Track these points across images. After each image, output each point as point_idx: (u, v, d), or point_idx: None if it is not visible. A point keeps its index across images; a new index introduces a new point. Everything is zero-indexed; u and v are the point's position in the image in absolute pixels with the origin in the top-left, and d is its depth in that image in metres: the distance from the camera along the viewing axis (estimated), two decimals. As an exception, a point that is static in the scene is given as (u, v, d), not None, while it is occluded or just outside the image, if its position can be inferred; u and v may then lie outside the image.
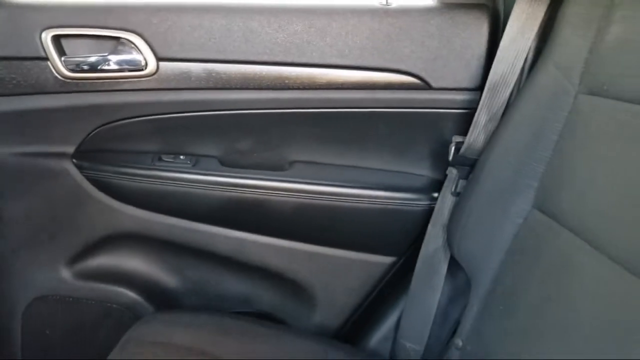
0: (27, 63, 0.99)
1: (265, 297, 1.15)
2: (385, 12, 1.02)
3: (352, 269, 1.11)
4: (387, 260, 1.11)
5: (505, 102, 0.98)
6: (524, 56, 0.97)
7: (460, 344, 0.94)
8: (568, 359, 0.67)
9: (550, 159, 0.84)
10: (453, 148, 1.02)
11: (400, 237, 1.09)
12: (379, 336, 1.14)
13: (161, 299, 1.13)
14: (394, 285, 1.12)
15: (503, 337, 0.83)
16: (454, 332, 0.97)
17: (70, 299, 1.12)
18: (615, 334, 0.63)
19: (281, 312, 1.14)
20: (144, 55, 1.00)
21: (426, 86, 1.03)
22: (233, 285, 1.15)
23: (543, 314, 0.76)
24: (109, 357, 0.90)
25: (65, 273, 1.11)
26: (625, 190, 0.68)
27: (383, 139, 1.07)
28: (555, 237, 0.78)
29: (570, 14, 0.90)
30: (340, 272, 1.11)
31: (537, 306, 0.77)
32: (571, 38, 0.88)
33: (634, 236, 0.64)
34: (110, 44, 1.00)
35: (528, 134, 0.90)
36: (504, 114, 0.97)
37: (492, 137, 0.97)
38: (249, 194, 1.06)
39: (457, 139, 1.02)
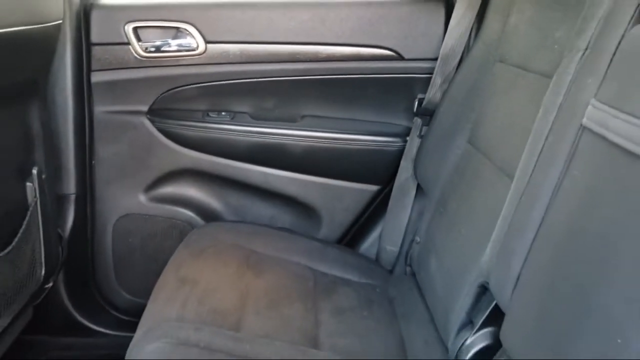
0: (116, 47, 1.40)
1: (285, 216, 1.55)
2: (368, 4, 1.40)
3: (347, 195, 1.50)
4: (374, 188, 1.50)
5: (455, 69, 1.35)
6: (467, 34, 1.34)
7: (418, 240, 1.33)
8: (473, 234, 1.04)
9: (478, 108, 1.21)
10: (417, 103, 1.40)
11: (383, 170, 1.47)
12: (368, 243, 1.53)
13: (209, 216, 1.55)
14: (378, 206, 1.51)
15: (439, 229, 1.21)
16: (415, 233, 1.36)
17: (146, 216, 1.54)
18: (494, 216, 0.98)
19: (296, 227, 1.54)
20: (196, 39, 1.40)
21: (400, 57, 1.41)
22: (261, 207, 1.55)
23: (461, 211, 1.13)
24: (174, 254, 1.31)
25: (142, 198, 1.54)
26: (509, 122, 1.05)
27: (369, 98, 1.45)
28: (475, 160, 1.15)
29: (494, 3, 1.26)
30: (339, 197, 1.51)
31: (459, 207, 1.15)
32: (493, 21, 1.24)
33: (510, 151, 0.99)
34: (172, 32, 1.41)
35: (466, 91, 1.27)
36: (453, 77, 1.34)
37: (444, 94, 1.34)
38: (271, 140, 1.47)
39: (420, 96, 1.40)
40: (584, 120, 0.72)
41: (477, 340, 0.94)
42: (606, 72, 0.71)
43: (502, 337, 0.84)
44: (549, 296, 0.72)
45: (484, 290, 0.95)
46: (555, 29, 0.95)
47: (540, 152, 0.82)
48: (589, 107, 0.71)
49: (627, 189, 0.61)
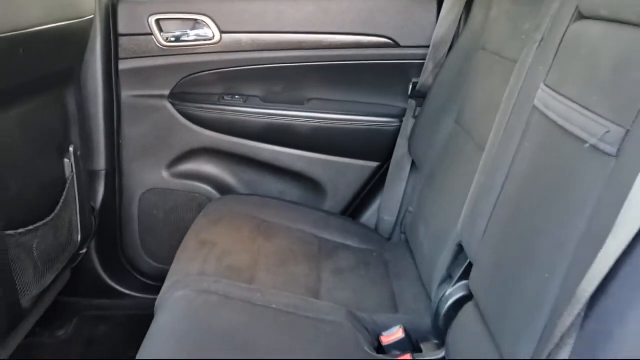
0: (140, 37, 1.56)
1: (293, 190, 1.71)
2: (367, -3, 1.54)
3: (349, 170, 1.66)
4: (373, 164, 1.65)
5: (445, 55, 1.49)
6: (456, 24, 1.47)
7: (411, 210, 1.48)
8: (453, 201, 1.19)
9: (464, 91, 1.35)
10: (411, 86, 1.54)
11: (381, 148, 1.62)
12: (368, 214, 1.69)
13: (225, 190, 1.70)
14: (378, 181, 1.67)
15: (427, 199, 1.36)
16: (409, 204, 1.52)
17: (168, 191, 1.71)
18: (470, 185, 1.13)
19: (303, 200, 1.70)
20: (212, 30, 1.55)
21: (396, 45, 1.55)
22: (271, 182, 1.71)
23: (445, 183, 1.28)
24: (195, 222, 1.47)
25: (165, 174, 1.70)
26: (487, 103, 1.19)
27: (368, 82, 1.60)
28: (460, 138, 1.30)
29: (479, -4, 1.39)
30: (342, 173, 1.66)
31: (444, 179, 1.30)
32: (478, 13, 1.37)
33: (485, 129, 1.13)
34: (190, 23, 1.56)
35: (454, 76, 1.41)
36: (443, 63, 1.48)
37: (435, 78, 1.48)
38: (280, 120, 1.62)
39: (414, 80, 1.54)
40: (535, 102, 0.86)
41: (454, 292, 1.09)
42: (553, 61, 0.86)
43: (470, 285, 1.00)
44: (503, 247, 0.87)
45: (460, 249, 1.10)
46: (524, 22, 1.09)
47: (505, 128, 0.97)
48: (539, 90, 0.86)
49: (559, 157, 0.76)
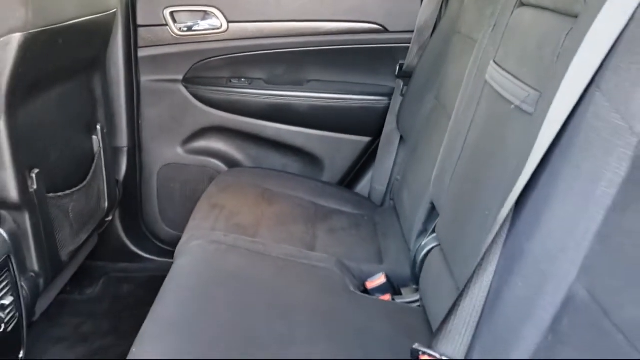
0: (156, 28, 1.75)
1: (294, 163, 1.90)
2: (358, -12, 1.72)
3: (344, 145, 1.84)
4: (366, 139, 1.84)
5: (428, 39, 1.66)
6: (437, 10, 1.64)
7: (398, 177, 1.67)
8: (429, 166, 1.37)
9: (443, 71, 1.52)
10: (398, 67, 1.72)
11: (373, 124, 1.80)
12: (362, 184, 1.88)
13: (233, 164, 1.90)
14: (370, 154, 1.85)
15: (410, 167, 1.54)
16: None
17: (183, 165, 1.91)
18: (435, 148, 1.31)
19: (303, 172, 1.89)
20: (220, 20, 1.74)
21: (385, 30, 1.73)
22: (275, 156, 1.90)
23: (425, 151, 1.46)
24: (206, 191, 1.66)
25: (180, 150, 1.90)
26: (458, 80, 1.37)
27: (360, 64, 1.78)
28: (438, 112, 1.48)
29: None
30: (337, 147, 1.85)
31: (424, 148, 1.47)
32: (455, 0, 1.54)
33: (452, 99, 1.30)
34: (200, 14, 1.75)
35: (435, 57, 1.58)
36: (426, 45, 1.65)
37: (419, 60, 1.66)
38: (281, 100, 1.81)
39: (401, 61, 1.72)
40: (487, 77, 1.04)
41: (428, 242, 1.27)
42: (500, 41, 1.03)
43: (437, 232, 1.18)
44: (459, 197, 1.05)
45: (433, 206, 1.29)
46: (487, 8, 1.26)
47: (465, 99, 1.15)
48: (489, 66, 1.04)
49: (497, 119, 0.94)
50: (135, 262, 1.94)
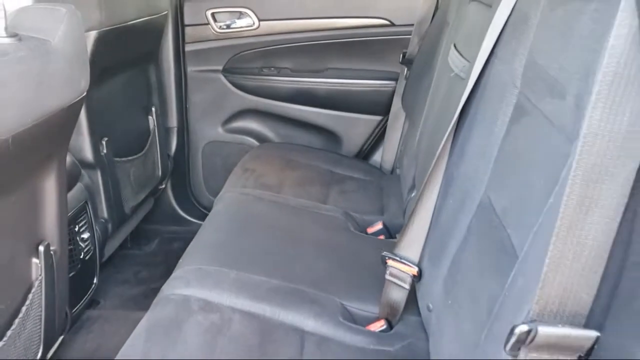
0: (200, 26, 2.11)
1: (316, 139, 2.21)
2: (368, -12, 2.02)
3: (359, 123, 2.15)
4: (377, 117, 2.14)
5: (426, 30, 1.95)
6: (434, 7, 1.93)
7: (403, 148, 1.95)
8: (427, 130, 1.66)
9: (436, 57, 1.80)
10: (402, 55, 2.01)
11: (382, 104, 2.10)
12: (375, 156, 2.18)
13: (264, 140, 2.24)
14: (381, 130, 2.15)
15: (412, 137, 1.83)
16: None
17: (223, 143, 2.25)
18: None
19: (324, 147, 2.20)
20: (253, 19, 2.08)
21: (391, 24, 2.02)
22: (300, 134, 2.22)
23: (419, 124, 1.75)
24: (241, 160, 2.00)
25: (220, 130, 2.25)
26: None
27: (371, 53, 2.08)
28: (430, 90, 1.76)
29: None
30: (353, 125, 2.15)
31: (424, 119, 1.76)
32: (446, -3, 1.82)
33: None
34: (236, 14, 2.09)
35: (431, 45, 1.86)
36: (425, 36, 1.94)
37: (419, 48, 1.95)
38: (305, 86, 2.13)
39: (404, 50, 2.01)
40: (448, 59, 1.33)
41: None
42: (457, 30, 1.32)
43: (415, 179, 1.47)
44: (425, 153, 1.34)
45: (420, 164, 1.58)
46: (456, 4, 1.53)
47: (437, 78, 1.44)
48: (450, 50, 1.32)
49: (448, 89, 1.23)
50: (184, 226, 2.30)
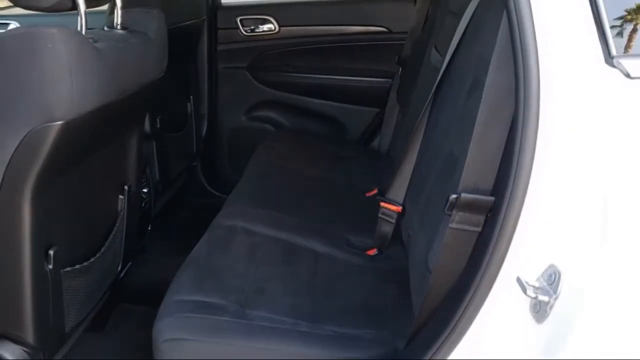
0: (230, 30, 2.53)
1: (325, 128, 2.63)
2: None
3: (361, 114, 2.57)
4: (376, 109, 2.55)
5: (418, 35, 2.36)
6: (425, 15, 2.34)
7: (396, 135, 2.36)
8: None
9: (425, 58, 2.22)
10: (397, 57, 2.43)
11: (380, 98, 2.51)
12: (374, 142, 2.59)
13: (281, 128, 2.65)
14: (378, 120, 2.56)
15: (403, 125, 2.24)
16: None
17: (247, 129, 2.66)
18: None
19: (332, 134, 2.62)
20: (274, 24, 2.50)
21: (389, 31, 2.44)
22: (311, 122, 2.63)
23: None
24: (262, 143, 2.41)
25: (243, 117, 2.65)
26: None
27: (373, 56, 2.50)
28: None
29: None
30: (357, 115, 2.57)
31: (412, 107, 2.17)
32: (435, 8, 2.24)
33: None
34: (260, 20, 2.52)
35: (422, 49, 2.28)
36: (416, 40, 2.36)
37: (412, 51, 2.36)
38: (317, 81, 2.55)
39: (399, 53, 2.42)
40: (431, 57, 1.74)
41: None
42: (438, 34, 1.73)
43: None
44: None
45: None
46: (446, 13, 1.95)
47: (423, 75, 1.85)
48: (432, 50, 1.74)
49: (428, 79, 1.64)
50: (210, 199, 2.70)
